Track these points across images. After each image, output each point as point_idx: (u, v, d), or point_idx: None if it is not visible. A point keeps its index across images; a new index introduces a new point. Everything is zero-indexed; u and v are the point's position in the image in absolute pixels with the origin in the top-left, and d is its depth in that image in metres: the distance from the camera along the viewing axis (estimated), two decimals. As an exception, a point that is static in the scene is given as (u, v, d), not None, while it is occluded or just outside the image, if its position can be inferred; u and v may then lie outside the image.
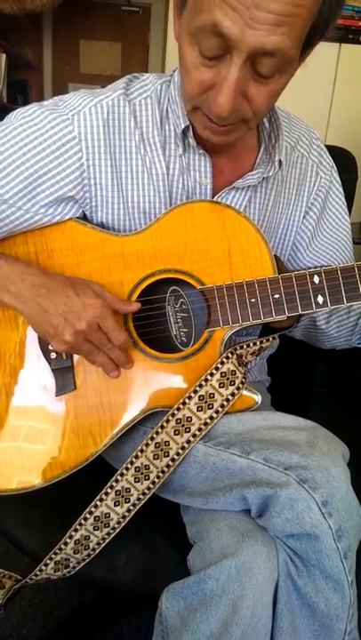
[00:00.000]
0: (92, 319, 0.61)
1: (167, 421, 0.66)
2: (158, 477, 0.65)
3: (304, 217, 0.79)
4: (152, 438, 0.66)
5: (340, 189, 0.82)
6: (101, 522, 0.66)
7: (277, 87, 0.58)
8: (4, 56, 2.62)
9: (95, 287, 0.64)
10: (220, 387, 0.66)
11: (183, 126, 0.67)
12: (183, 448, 0.65)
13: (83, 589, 1.12)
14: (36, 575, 0.67)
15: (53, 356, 0.69)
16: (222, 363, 0.67)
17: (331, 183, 0.80)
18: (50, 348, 0.69)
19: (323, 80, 2.32)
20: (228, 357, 0.67)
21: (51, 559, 0.66)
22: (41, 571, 0.67)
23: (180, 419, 0.65)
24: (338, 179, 0.81)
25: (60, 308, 0.61)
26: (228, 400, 0.66)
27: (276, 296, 0.66)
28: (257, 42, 0.51)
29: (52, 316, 0.62)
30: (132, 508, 0.65)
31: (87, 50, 3.37)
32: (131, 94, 0.70)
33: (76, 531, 0.66)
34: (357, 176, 1.06)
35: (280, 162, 0.73)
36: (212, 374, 0.66)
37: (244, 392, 0.67)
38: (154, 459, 0.65)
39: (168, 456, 0.65)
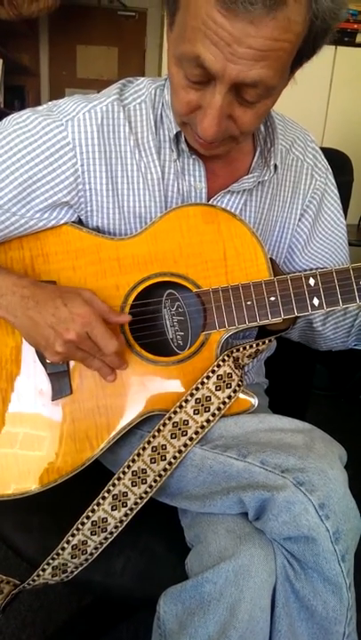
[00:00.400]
0: (80, 329, 0.60)
1: (164, 425, 0.66)
2: (155, 481, 0.65)
3: (299, 219, 0.80)
4: (149, 442, 0.65)
5: (336, 191, 0.82)
6: (99, 526, 0.66)
7: (264, 109, 0.59)
8: (0, 61, 2.63)
9: (85, 295, 0.63)
10: (216, 390, 0.66)
11: (175, 132, 0.67)
12: (180, 451, 0.65)
13: (82, 594, 1.12)
14: (33, 580, 0.67)
15: (49, 360, 0.69)
16: (219, 365, 0.67)
17: (326, 185, 0.80)
18: (46, 353, 0.69)
19: (319, 82, 2.33)
20: (224, 360, 0.67)
21: (48, 564, 0.66)
22: (39, 576, 0.67)
23: (177, 422, 0.65)
24: (333, 181, 0.82)
25: (48, 319, 0.61)
26: (224, 403, 0.66)
27: (272, 298, 0.67)
28: (238, 76, 0.52)
29: (42, 328, 0.61)
30: (129, 512, 0.65)
31: (84, 55, 3.38)
32: (125, 99, 0.70)
33: (73, 535, 0.66)
34: (353, 178, 1.06)
35: (275, 166, 0.73)
36: (208, 377, 0.66)
37: (241, 395, 0.67)
38: (151, 462, 0.65)
39: (165, 460, 0.65)
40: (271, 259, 0.70)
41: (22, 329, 0.64)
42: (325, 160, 0.81)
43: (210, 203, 0.71)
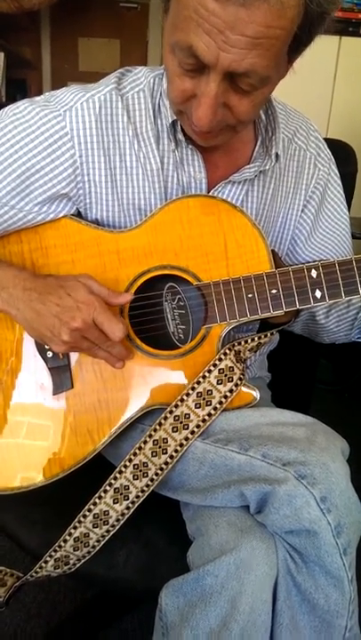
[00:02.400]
0: (86, 316, 0.60)
1: (165, 418, 0.65)
2: (157, 474, 0.65)
3: (302, 210, 0.79)
4: (150, 435, 0.65)
5: (339, 182, 0.81)
6: (100, 519, 0.66)
7: (260, 98, 0.58)
8: (2, 55, 2.61)
9: (83, 280, 0.63)
10: (218, 383, 0.66)
11: (171, 120, 0.66)
12: (181, 445, 0.65)
13: (86, 586, 1.12)
14: (36, 572, 0.68)
15: (50, 354, 0.69)
16: (220, 359, 0.66)
17: (329, 176, 0.79)
18: (47, 347, 0.69)
19: (323, 73, 2.29)
20: (225, 354, 0.67)
21: (51, 556, 0.67)
22: (41, 568, 0.67)
23: (178, 416, 0.65)
24: (336, 171, 0.81)
25: (53, 309, 0.61)
26: (226, 397, 0.66)
27: (274, 291, 0.66)
28: (230, 65, 0.51)
29: (47, 318, 0.61)
30: (130, 505, 0.65)
31: (86, 47, 3.35)
32: (123, 88, 0.69)
33: (75, 528, 0.66)
34: (357, 169, 1.05)
35: (277, 155, 0.72)
36: (209, 371, 0.66)
37: (243, 388, 0.67)
38: (152, 456, 0.65)
39: (166, 453, 0.65)
40: (273, 250, 0.69)
41: (25, 322, 0.64)
42: (328, 150, 0.80)
43: (210, 194, 0.71)
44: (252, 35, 0.49)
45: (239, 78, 0.54)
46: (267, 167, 0.72)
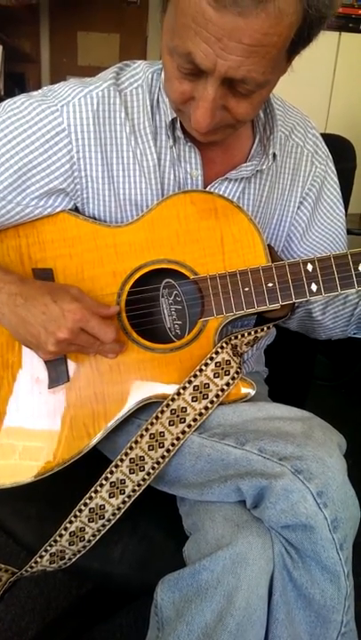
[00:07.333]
0: (73, 325, 0.60)
1: (162, 412, 0.65)
2: (153, 468, 0.65)
3: (298, 207, 0.78)
4: (147, 429, 0.65)
5: (336, 179, 0.81)
6: (96, 513, 0.65)
7: (259, 99, 0.58)
8: (0, 48, 2.60)
9: (73, 291, 0.63)
10: (214, 377, 0.66)
11: (171, 118, 0.66)
12: (178, 439, 0.64)
13: (81, 581, 1.12)
14: (31, 567, 0.67)
15: (42, 358, 0.68)
16: (217, 352, 0.66)
17: (326, 173, 0.79)
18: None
19: (323, 69, 2.29)
20: (222, 347, 0.66)
21: (46, 551, 0.66)
22: (36, 562, 0.67)
23: (175, 409, 0.65)
24: (333, 168, 0.80)
25: (39, 317, 0.60)
26: (222, 390, 0.66)
27: (270, 285, 0.66)
28: (227, 72, 0.52)
29: (32, 327, 0.60)
30: (127, 499, 0.65)
31: (85, 42, 3.34)
32: (121, 84, 0.69)
33: (71, 522, 0.65)
34: (356, 165, 1.05)
35: (274, 155, 0.72)
36: (206, 364, 0.66)
37: (239, 382, 0.67)
38: (149, 450, 0.65)
39: (163, 447, 0.65)
40: (269, 245, 0.69)
41: (10, 327, 0.63)
42: (326, 147, 0.80)
43: (207, 189, 0.70)
44: (248, 42, 0.49)
45: (237, 83, 0.54)
46: (264, 167, 0.72)
